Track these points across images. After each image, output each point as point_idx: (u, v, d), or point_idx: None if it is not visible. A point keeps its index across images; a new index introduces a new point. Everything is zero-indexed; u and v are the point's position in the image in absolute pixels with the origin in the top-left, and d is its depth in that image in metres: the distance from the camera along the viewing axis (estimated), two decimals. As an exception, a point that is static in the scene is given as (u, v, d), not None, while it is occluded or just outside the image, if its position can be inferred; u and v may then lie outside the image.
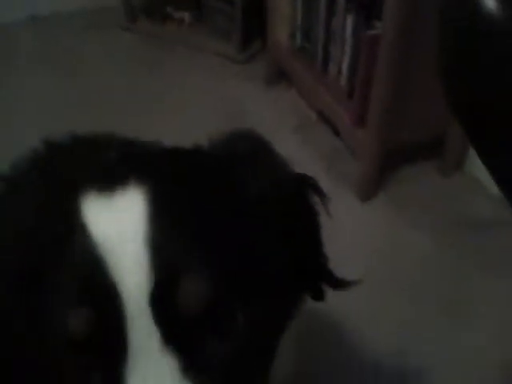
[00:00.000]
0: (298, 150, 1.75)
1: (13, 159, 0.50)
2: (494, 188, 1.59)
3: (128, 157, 0.53)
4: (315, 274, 0.60)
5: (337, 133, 1.84)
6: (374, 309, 1.36)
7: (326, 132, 1.89)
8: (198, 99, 2.02)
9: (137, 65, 2.25)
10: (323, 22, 1.76)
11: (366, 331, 1.32)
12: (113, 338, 0.40)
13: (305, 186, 0.56)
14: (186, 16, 2.36)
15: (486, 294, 1.41)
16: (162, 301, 0.40)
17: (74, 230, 0.43)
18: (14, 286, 0.45)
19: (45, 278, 0.43)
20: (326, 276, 0.61)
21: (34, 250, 0.45)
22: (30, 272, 0.44)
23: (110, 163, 0.51)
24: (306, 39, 1.90)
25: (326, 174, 1.68)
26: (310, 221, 0.56)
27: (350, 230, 1.54)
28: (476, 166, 1.68)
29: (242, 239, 0.46)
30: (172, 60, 2.24)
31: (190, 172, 0.49)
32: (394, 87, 1.46)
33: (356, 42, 1.61)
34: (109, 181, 0.45)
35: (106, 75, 2.14)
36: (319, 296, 0.62)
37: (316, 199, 0.56)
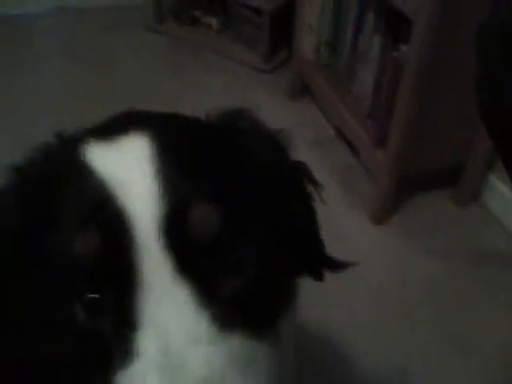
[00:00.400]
0: (313, 165, 1.72)
1: (25, 149, 0.50)
2: (509, 222, 1.58)
3: (129, 115, 0.53)
4: (314, 257, 0.60)
5: (354, 151, 1.82)
6: (378, 331, 1.34)
7: (343, 150, 1.87)
8: (218, 104, 2.01)
9: (160, 66, 2.26)
10: (350, 39, 1.75)
11: (370, 353, 1.30)
12: (123, 266, 0.39)
13: (301, 170, 0.56)
14: (214, 22, 2.37)
15: (493, 326, 1.38)
16: (172, 228, 0.40)
17: (80, 170, 0.43)
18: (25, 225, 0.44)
19: (55, 215, 0.43)
20: (324, 259, 0.61)
21: (42, 192, 0.45)
22: (38, 213, 0.44)
23: (110, 122, 0.52)
24: (332, 55, 1.89)
25: (339, 191, 1.66)
26: (305, 203, 0.56)
27: (360, 250, 1.52)
28: (492, 199, 1.65)
29: (245, 187, 0.46)
30: (196, 64, 2.24)
31: (191, 126, 0.50)
32: (417, 111, 1.44)
33: (381, 62, 1.60)
34: (111, 132, 0.46)
35: (129, 73, 2.15)
36: (318, 277, 0.62)
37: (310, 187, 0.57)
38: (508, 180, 1.55)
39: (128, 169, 0.42)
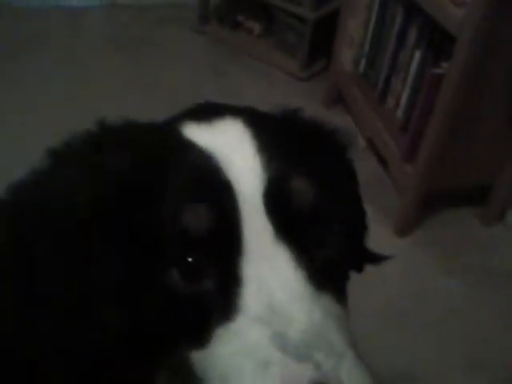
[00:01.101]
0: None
1: (66, 135, 0.53)
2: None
3: (213, 105, 0.56)
4: (359, 249, 0.64)
5: (383, 164, 1.85)
6: (389, 343, 1.35)
7: (372, 161, 1.89)
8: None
9: (201, 66, 2.32)
10: (391, 53, 1.78)
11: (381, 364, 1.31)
12: (228, 233, 0.43)
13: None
14: (257, 27, 2.42)
15: (509, 349, 1.38)
16: (274, 198, 0.44)
17: (184, 147, 0.47)
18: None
19: (161, 187, 0.46)
20: (366, 252, 0.65)
21: (147, 167, 0.47)
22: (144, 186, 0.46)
23: (197, 110, 0.55)
24: (370, 67, 1.92)
25: (366, 202, 1.68)
26: (359, 199, 0.62)
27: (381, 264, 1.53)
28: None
29: (329, 173, 0.50)
30: (236, 67, 2.29)
31: (271, 116, 0.55)
32: (450, 129, 1.46)
33: (419, 78, 1.62)
34: (204, 117, 0.50)
35: (170, 70, 2.21)
36: (360, 268, 0.67)
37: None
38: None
39: (230, 146, 0.46)
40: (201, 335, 0.44)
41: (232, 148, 0.46)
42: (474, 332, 1.42)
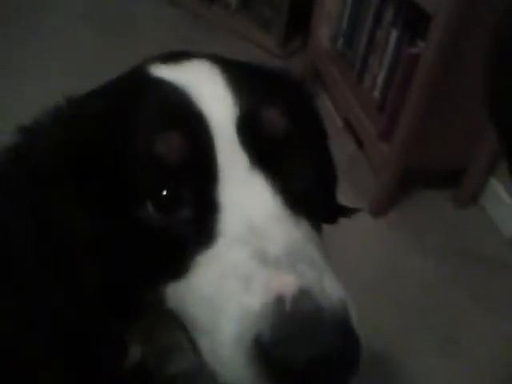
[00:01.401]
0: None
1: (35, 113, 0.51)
2: (504, 227, 1.60)
3: (182, 52, 0.55)
4: (331, 200, 0.65)
5: (359, 144, 1.84)
6: (366, 322, 1.36)
7: (348, 141, 1.88)
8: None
9: (175, 39, 2.26)
10: (368, 31, 1.75)
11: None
12: (203, 161, 0.44)
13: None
14: (233, 1, 2.36)
15: (481, 330, 1.40)
16: (247, 128, 0.45)
17: (155, 84, 0.47)
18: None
19: (134, 122, 0.46)
20: (337, 204, 0.67)
21: (119, 106, 0.48)
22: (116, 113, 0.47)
23: (165, 55, 0.54)
24: (348, 45, 1.89)
25: (341, 182, 1.67)
26: (328, 148, 0.62)
27: (356, 242, 1.54)
28: (491, 203, 1.67)
29: (299, 114, 0.51)
30: (212, 42, 2.24)
31: (241, 61, 0.55)
32: (426, 109, 1.45)
33: (396, 57, 1.60)
34: (172, 59, 0.50)
35: (144, 42, 2.15)
36: (332, 219, 0.68)
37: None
38: (508, 185, 1.57)
39: (200, 81, 0.46)
40: (179, 266, 0.44)
41: (202, 83, 0.46)
42: (447, 311, 1.44)
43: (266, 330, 0.38)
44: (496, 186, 1.65)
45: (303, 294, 0.39)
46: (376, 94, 1.72)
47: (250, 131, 0.45)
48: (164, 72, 0.48)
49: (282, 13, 2.16)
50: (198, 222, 0.44)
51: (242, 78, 0.48)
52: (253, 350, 0.38)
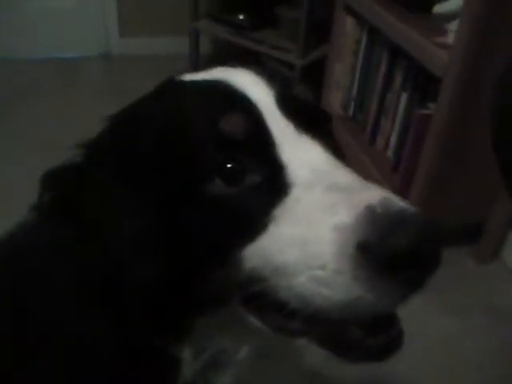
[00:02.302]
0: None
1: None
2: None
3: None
4: None
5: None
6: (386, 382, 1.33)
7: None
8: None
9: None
10: (378, 96, 1.82)
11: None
12: (260, 132, 0.52)
13: None
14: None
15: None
16: (283, 103, 0.54)
17: (207, 82, 0.57)
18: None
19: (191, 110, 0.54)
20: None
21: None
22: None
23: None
24: (359, 110, 1.96)
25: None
26: None
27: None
28: (512, 257, 1.66)
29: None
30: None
31: None
32: (440, 166, 1.49)
33: (407, 118, 1.66)
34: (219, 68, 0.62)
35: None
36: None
37: None
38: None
39: (244, 77, 0.56)
40: (256, 227, 0.48)
41: (245, 79, 0.56)
42: (472, 372, 1.40)
43: (365, 233, 0.42)
44: (516, 240, 1.65)
45: (387, 200, 0.44)
46: (390, 154, 1.76)
47: (286, 106, 0.54)
48: (215, 74, 0.58)
49: (293, 84, 2.25)
50: (267, 183, 0.50)
51: (273, 80, 0.58)
52: (357, 257, 0.42)
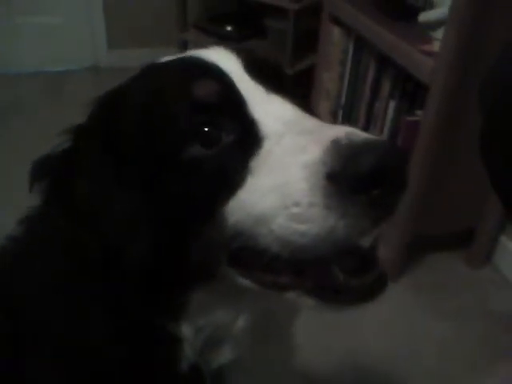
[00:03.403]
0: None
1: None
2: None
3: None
4: None
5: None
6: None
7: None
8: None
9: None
10: (366, 104, 1.84)
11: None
12: (232, 95, 0.55)
13: None
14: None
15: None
16: (251, 70, 0.58)
17: (181, 59, 0.61)
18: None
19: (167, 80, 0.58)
20: None
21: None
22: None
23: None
24: (347, 117, 1.97)
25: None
26: None
27: (369, 309, 1.52)
28: (503, 261, 1.67)
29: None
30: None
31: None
32: (429, 174, 1.50)
33: (395, 125, 1.67)
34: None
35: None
36: None
37: None
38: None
39: (215, 53, 0.60)
40: (235, 181, 0.51)
41: (216, 54, 0.59)
42: (467, 375, 1.40)
43: (332, 164, 0.45)
44: (507, 244, 1.66)
45: (352, 133, 0.47)
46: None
47: (254, 71, 0.58)
48: (189, 53, 0.62)
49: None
50: (242, 139, 0.53)
51: (242, 50, 0.62)
52: (327, 187, 0.45)
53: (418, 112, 1.54)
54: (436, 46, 1.40)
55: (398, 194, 0.48)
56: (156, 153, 0.54)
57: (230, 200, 0.52)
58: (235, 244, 0.52)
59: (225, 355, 0.61)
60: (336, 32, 1.96)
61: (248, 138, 0.53)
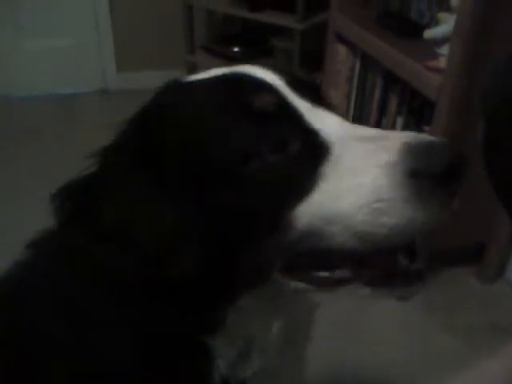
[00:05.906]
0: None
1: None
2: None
3: None
4: None
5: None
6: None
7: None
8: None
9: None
10: (374, 121, 1.85)
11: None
12: (286, 107, 0.57)
13: None
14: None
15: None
16: (294, 86, 0.60)
17: (231, 75, 0.63)
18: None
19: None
20: None
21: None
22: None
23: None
24: (355, 135, 1.98)
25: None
26: None
27: (382, 325, 1.52)
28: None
29: None
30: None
31: None
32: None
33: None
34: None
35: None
36: None
37: None
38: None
39: (257, 71, 0.62)
40: (305, 186, 0.53)
41: (254, 70, 0.62)
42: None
43: (409, 162, 0.50)
44: (519, 259, 1.65)
45: (416, 136, 0.52)
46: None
47: (296, 87, 0.60)
48: (223, 71, 0.63)
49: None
50: (308, 147, 0.55)
51: (278, 68, 0.64)
52: (408, 183, 0.50)
53: (426, 128, 1.55)
54: (442, 62, 1.42)
55: (461, 184, 0.54)
56: (213, 165, 0.55)
57: (298, 205, 0.53)
58: (301, 246, 0.54)
59: (253, 366, 0.62)
60: (342, 50, 1.98)
61: (314, 145, 0.55)
